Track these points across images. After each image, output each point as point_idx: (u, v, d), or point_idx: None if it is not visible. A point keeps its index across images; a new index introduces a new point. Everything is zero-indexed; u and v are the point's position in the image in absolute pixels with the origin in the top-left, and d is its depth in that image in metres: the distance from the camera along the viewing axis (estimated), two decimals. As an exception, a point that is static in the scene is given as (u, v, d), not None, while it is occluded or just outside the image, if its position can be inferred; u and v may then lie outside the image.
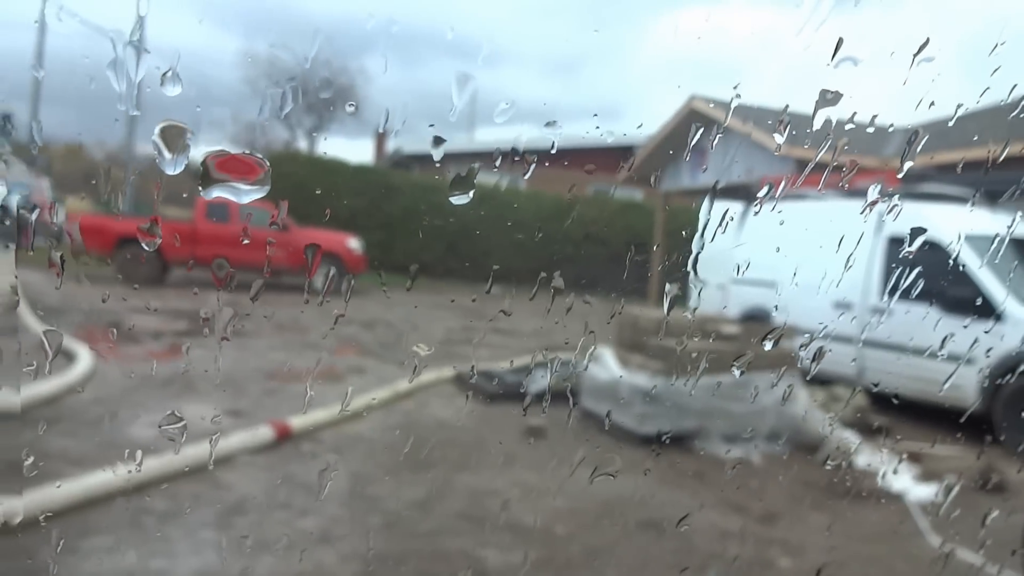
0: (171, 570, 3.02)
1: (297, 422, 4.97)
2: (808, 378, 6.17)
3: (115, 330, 7.31)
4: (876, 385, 6.96)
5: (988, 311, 6.46)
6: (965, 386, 6.50)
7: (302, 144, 31.34)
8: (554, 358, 7.49)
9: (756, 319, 8.09)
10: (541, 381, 6.99)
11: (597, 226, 18.77)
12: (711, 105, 16.20)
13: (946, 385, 6.83)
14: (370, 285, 15.14)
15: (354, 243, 13.67)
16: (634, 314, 6.26)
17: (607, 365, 5.89)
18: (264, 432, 4.72)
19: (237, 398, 5.70)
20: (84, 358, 6.06)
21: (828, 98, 1.45)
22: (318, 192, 15.09)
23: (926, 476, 4.86)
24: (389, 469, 4.54)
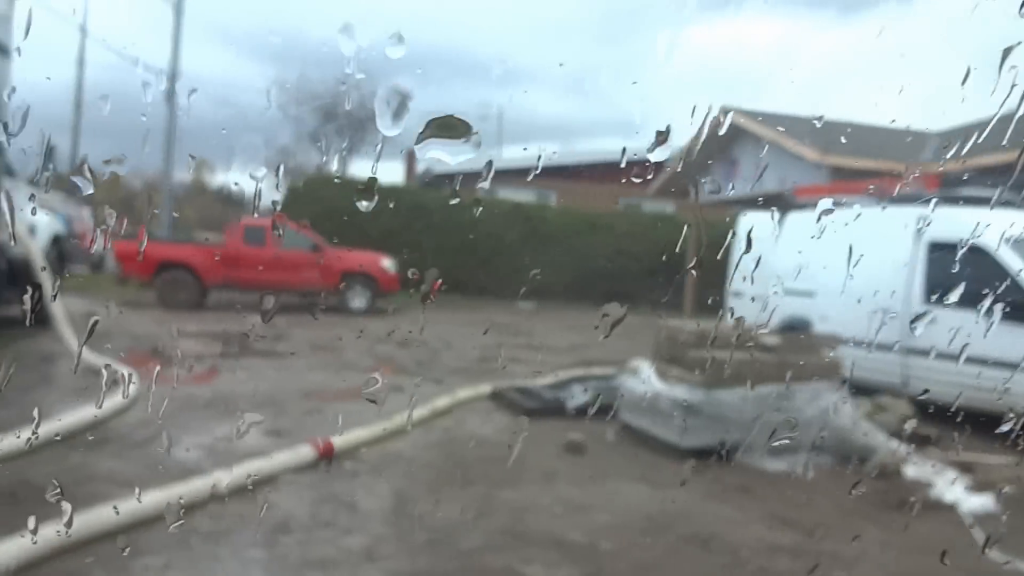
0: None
1: (338, 441, 4.99)
2: (852, 387, 6.07)
3: (159, 352, 7.43)
4: (925, 393, 6.80)
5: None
6: (1016, 392, 6.33)
7: (333, 166, 31.78)
8: (590, 374, 7.48)
9: (796, 329, 7.98)
10: (579, 396, 6.98)
11: (629, 241, 18.71)
12: (740, 115, 16.12)
13: (997, 392, 6.66)
14: (403, 303, 15.18)
15: (387, 263, 13.77)
16: (672, 326, 6.21)
17: (645, 378, 5.84)
18: (306, 451, 4.75)
19: (277, 417, 5.75)
20: (130, 381, 6.16)
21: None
22: (346, 216, 15.26)
23: (980, 486, 4.72)
24: (430, 486, 4.54)
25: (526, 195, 21.70)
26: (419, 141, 1.11)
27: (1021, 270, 6.48)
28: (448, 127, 1.11)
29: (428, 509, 4.15)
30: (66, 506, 1.35)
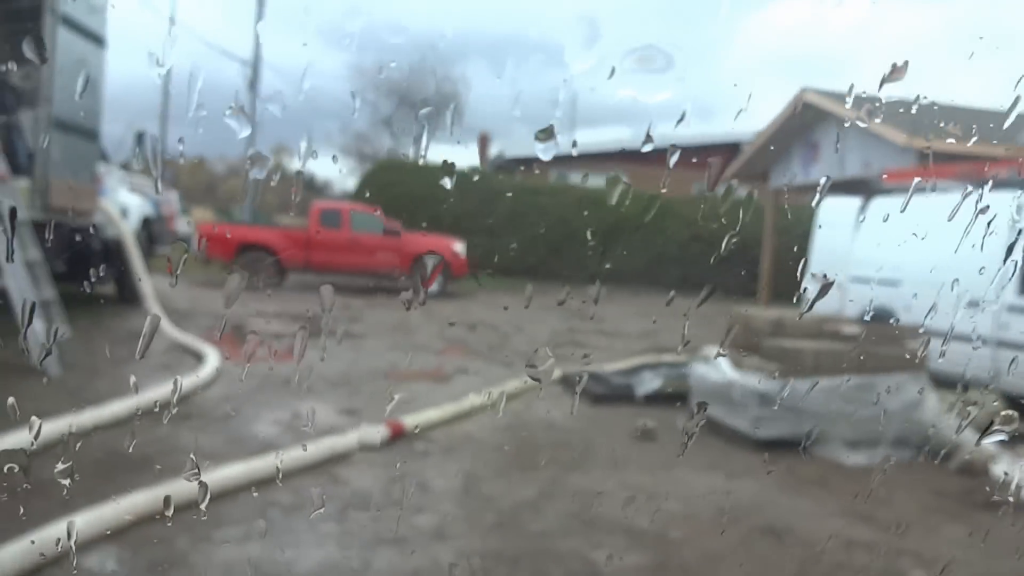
0: (296, 560, 3.14)
1: (410, 421, 5.08)
2: (938, 380, 5.81)
3: (240, 332, 7.66)
4: (1013, 388, 6.47)
5: None
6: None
7: (408, 151, 32.20)
8: (660, 360, 7.37)
9: (879, 319, 7.69)
10: (650, 382, 6.89)
11: (703, 227, 18.35)
12: (821, 97, 15.54)
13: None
14: (474, 288, 15.30)
15: (459, 247, 13.90)
16: (746, 314, 6.07)
17: (719, 367, 5.73)
18: (378, 431, 4.85)
19: (352, 397, 5.89)
20: (211, 358, 6.42)
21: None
22: (419, 200, 15.42)
23: (1075, 488, 4.47)
24: (499, 469, 4.57)
25: (598, 180, 21.53)
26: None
27: None
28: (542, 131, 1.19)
29: (498, 491, 4.18)
30: (199, 483, 1.41)
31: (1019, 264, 5.53)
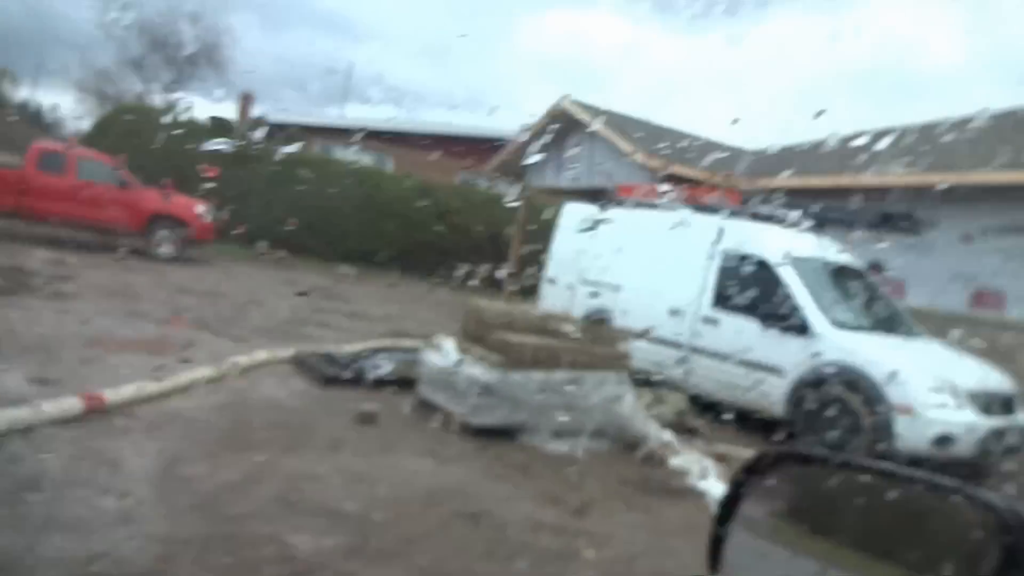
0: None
1: (112, 395, 4.69)
2: (638, 380, 6.50)
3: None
4: (698, 390, 7.41)
5: (803, 328, 7.04)
6: (775, 395, 7.06)
7: (156, 99, 29.42)
8: (396, 345, 7.47)
9: (599, 321, 8.40)
10: (382, 367, 6.96)
11: (461, 217, 18.80)
12: (580, 108, 16.60)
13: (759, 392, 7.38)
14: (215, 254, 14.42)
15: (203, 209, 12.99)
16: (480, 306, 6.34)
17: (447, 354, 5.94)
18: (72, 404, 4.42)
19: (48, 365, 5.30)
20: None
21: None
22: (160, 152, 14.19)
23: (728, 476, 5.23)
24: (207, 449, 4.38)
25: (363, 157, 21.22)
26: None
27: (794, 286, 7.22)
28: None
29: (200, 473, 4.00)
30: None
31: (714, 280, 6.36)
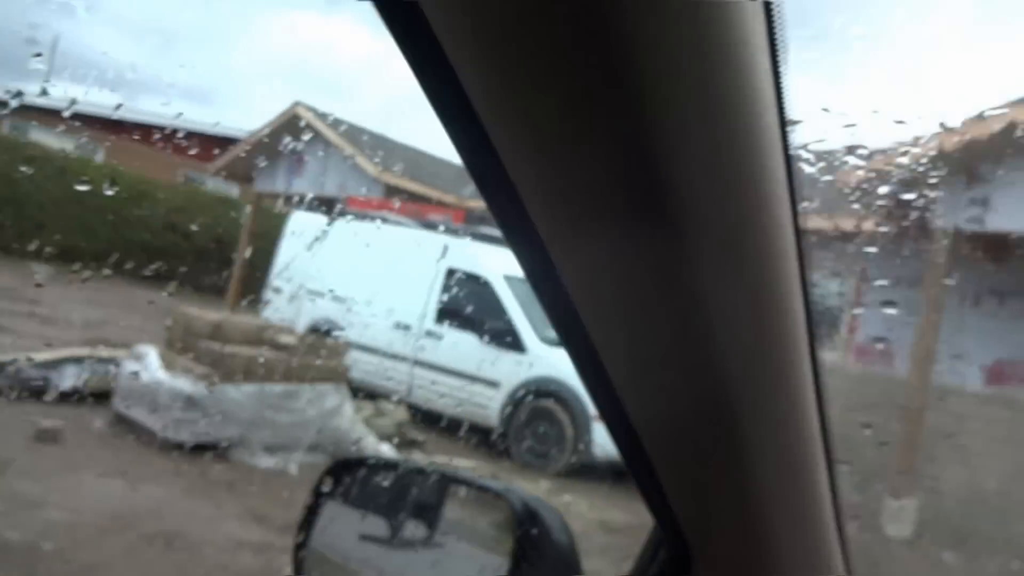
0: None
1: None
2: (361, 392, 6.60)
3: None
4: (421, 402, 7.68)
5: (517, 344, 7.63)
6: (492, 406, 7.57)
7: None
8: (92, 355, 6.84)
9: (322, 332, 8.35)
10: (71, 378, 6.36)
11: (183, 217, 17.55)
12: (314, 115, 16.35)
13: (477, 404, 7.86)
14: None
15: None
16: (188, 314, 6.03)
17: (149, 366, 5.55)
18: None
19: None
20: None
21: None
22: None
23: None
24: None
25: (66, 143, 18.98)
26: None
27: (509, 304, 7.77)
28: None
29: None
30: None
31: (437, 296, 6.70)
